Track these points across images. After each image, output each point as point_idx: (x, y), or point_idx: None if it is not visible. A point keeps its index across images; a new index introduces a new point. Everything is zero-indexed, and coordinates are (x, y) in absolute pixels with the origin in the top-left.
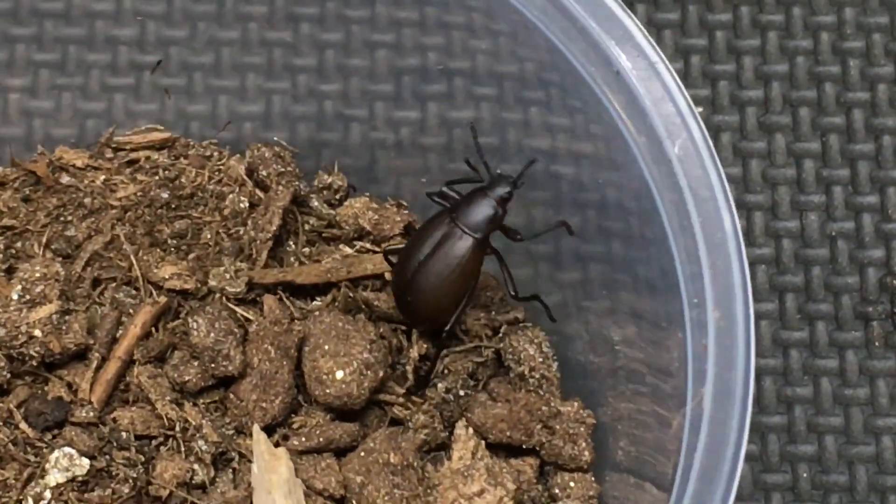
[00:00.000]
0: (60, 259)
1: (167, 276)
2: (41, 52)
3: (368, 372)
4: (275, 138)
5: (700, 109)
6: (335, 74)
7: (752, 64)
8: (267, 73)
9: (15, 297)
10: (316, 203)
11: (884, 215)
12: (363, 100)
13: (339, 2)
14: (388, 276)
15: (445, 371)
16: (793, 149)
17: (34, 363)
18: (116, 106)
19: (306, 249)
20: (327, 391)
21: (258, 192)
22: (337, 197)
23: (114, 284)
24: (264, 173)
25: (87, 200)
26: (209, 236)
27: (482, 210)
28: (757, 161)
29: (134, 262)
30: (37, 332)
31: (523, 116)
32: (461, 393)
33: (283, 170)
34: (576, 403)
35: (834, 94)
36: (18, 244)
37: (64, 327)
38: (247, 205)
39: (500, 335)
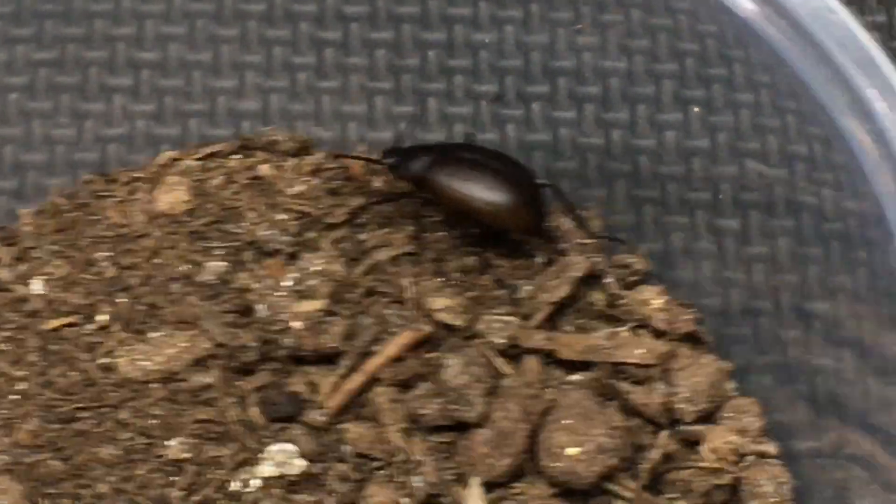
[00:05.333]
0: (344, 260)
1: (439, 307)
2: None
3: (601, 456)
4: (587, 204)
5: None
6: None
7: None
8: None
9: (287, 283)
10: (609, 280)
11: None
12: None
13: None
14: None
15: (683, 483)
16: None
17: (283, 353)
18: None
19: (581, 321)
20: (555, 464)
21: (556, 254)
22: (632, 279)
23: (385, 300)
24: (564, 246)
25: (389, 209)
26: (492, 280)
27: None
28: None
29: (408, 284)
30: (295, 324)
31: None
32: None
33: (584, 242)
34: None
35: None
36: (310, 233)
37: (323, 327)
38: (543, 261)
39: (746, 463)
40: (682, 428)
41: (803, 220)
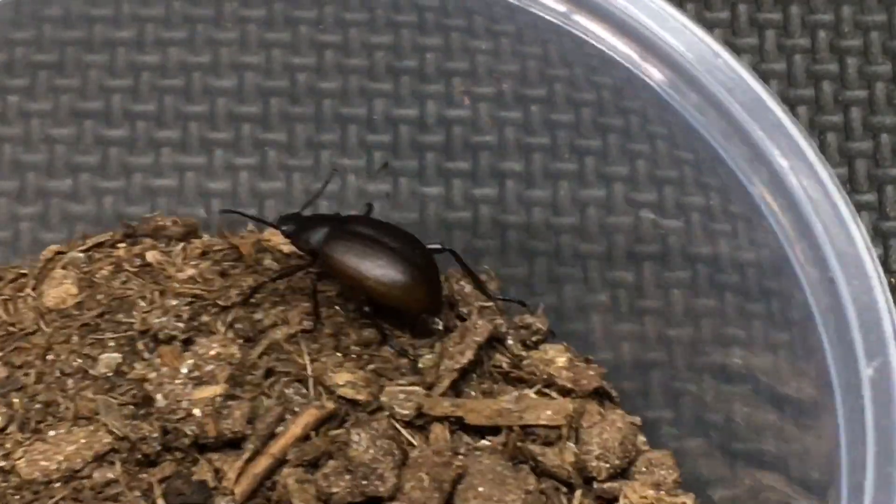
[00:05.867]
0: (241, 341)
1: (341, 383)
2: None
3: None
4: (485, 267)
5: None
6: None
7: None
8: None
9: (184, 370)
10: (511, 342)
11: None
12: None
13: None
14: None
15: None
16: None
17: (186, 441)
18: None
19: (486, 385)
20: None
21: (456, 319)
22: (533, 339)
23: (286, 379)
24: (464, 310)
25: (282, 287)
26: (393, 351)
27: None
28: None
29: (307, 362)
30: (196, 412)
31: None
32: None
33: (485, 305)
34: None
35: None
36: (204, 317)
37: (225, 412)
38: (441, 327)
39: None
40: (597, 486)
41: (724, 268)
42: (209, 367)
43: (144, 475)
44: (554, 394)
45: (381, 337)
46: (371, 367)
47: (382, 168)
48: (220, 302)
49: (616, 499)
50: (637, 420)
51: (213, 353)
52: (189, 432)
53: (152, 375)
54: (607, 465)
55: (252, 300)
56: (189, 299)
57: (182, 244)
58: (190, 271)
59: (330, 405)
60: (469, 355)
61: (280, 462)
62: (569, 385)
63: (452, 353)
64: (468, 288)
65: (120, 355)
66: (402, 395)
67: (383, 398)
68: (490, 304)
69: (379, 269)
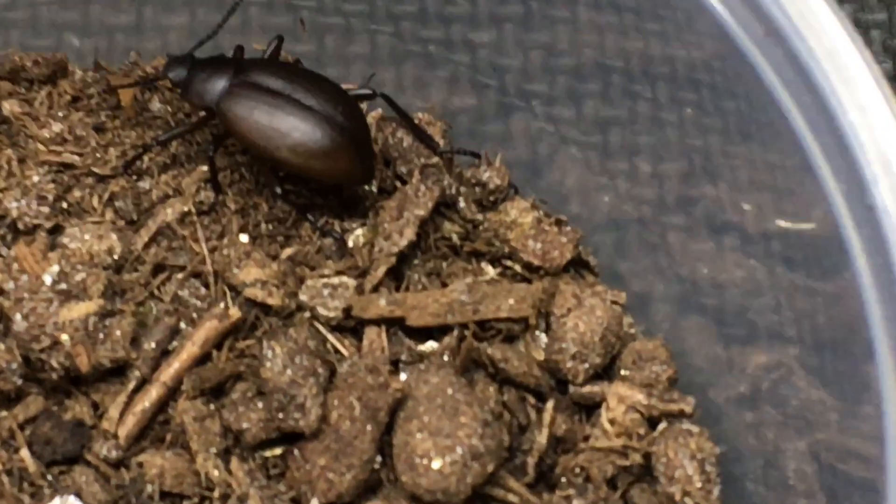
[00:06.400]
0: (122, 224)
1: (248, 282)
2: None
3: (475, 464)
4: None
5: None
6: None
7: None
8: None
9: (48, 280)
10: (462, 204)
11: None
12: None
13: None
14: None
15: (580, 471)
16: None
17: (54, 376)
18: None
19: (432, 263)
20: (418, 480)
21: (394, 179)
22: (490, 199)
23: (180, 275)
24: (403, 169)
25: (176, 143)
26: (314, 228)
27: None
28: None
29: (206, 252)
30: (64, 338)
31: None
32: None
33: (428, 162)
34: None
35: None
36: (76, 192)
37: (101, 335)
38: (375, 190)
39: (657, 433)
40: (574, 390)
41: (703, 95)
42: (79, 276)
43: (4, 415)
44: (518, 268)
45: (299, 209)
46: (287, 252)
47: None
48: (95, 170)
49: (598, 405)
50: (621, 297)
51: (84, 252)
52: (56, 365)
53: (9, 286)
54: (586, 366)
55: (137, 165)
56: (56, 168)
57: (47, 89)
58: (57, 126)
59: (235, 312)
60: (409, 235)
61: (174, 391)
62: (536, 261)
63: (389, 232)
64: (407, 141)
65: None
66: (326, 292)
67: (302, 296)
68: (435, 159)
69: (292, 136)
